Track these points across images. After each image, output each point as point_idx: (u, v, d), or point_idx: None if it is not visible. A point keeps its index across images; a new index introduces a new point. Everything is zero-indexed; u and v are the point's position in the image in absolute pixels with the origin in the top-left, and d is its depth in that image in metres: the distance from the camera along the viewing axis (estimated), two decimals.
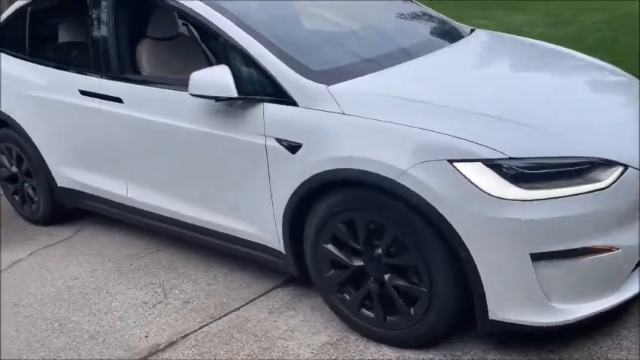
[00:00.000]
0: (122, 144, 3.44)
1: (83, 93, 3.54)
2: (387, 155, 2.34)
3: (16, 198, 4.41)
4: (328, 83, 2.63)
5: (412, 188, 2.28)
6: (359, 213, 2.50)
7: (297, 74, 2.68)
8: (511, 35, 3.77)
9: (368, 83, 2.69)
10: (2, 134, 4.25)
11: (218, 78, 2.72)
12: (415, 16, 3.58)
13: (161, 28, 3.71)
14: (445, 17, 3.72)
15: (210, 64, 3.85)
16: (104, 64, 3.45)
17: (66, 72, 3.71)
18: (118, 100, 3.34)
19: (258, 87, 2.76)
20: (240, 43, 2.81)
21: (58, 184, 4.04)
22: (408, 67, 2.88)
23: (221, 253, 3.52)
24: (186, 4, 3.03)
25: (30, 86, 3.90)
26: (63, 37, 4.04)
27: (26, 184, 4.28)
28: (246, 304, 3.18)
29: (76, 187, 3.94)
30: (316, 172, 2.55)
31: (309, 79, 2.66)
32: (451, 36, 3.42)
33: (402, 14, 3.62)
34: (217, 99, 2.77)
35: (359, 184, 2.46)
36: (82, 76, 3.58)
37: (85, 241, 4.05)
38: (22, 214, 4.44)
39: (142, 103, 3.25)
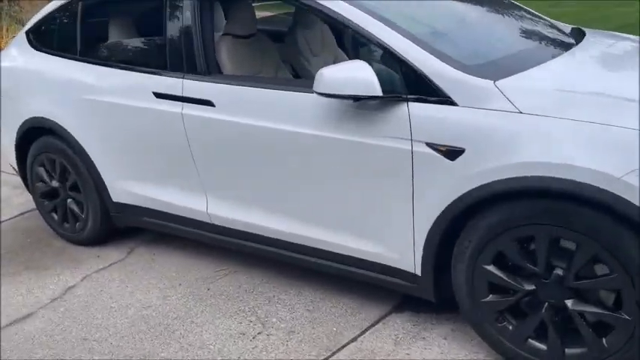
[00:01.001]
0: (209, 152, 3.03)
1: (159, 96, 3.12)
2: (593, 160, 2.01)
3: (55, 216, 3.93)
4: (494, 78, 2.30)
5: (628, 198, 1.95)
6: (541, 228, 2.16)
7: (453, 69, 2.34)
8: (616, 33, 3.52)
9: (539, 78, 2.36)
10: (44, 144, 3.77)
11: (359, 75, 2.36)
12: (521, 17, 3.28)
13: (241, 25, 3.33)
14: (547, 18, 3.45)
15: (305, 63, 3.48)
16: (187, 63, 3.03)
17: (133, 72, 3.27)
18: (208, 103, 2.93)
19: (399, 85, 2.41)
20: (379, 36, 2.46)
21: (114, 200, 3.58)
22: (566, 62, 2.57)
23: (307, 274, 3.17)
24: None
25: (85, 89, 3.44)
26: (125, 34, 3.60)
27: (69, 200, 3.80)
28: (362, 333, 2.80)
29: (138, 203, 3.49)
30: (486, 181, 2.20)
31: (469, 74, 2.33)
32: (570, 36, 3.13)
33: (508, 13, 3.32)
34: (356, 98, 2.40)
35: (543, 194, 2.12)
36: (156, 77, 3.15)
37: (144, 263, 3.60)
38: (61, 234, 3.95)
39: (242, 107, 2.84)
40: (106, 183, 3.56)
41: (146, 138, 3.26)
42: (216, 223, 3.19)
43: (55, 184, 3.84)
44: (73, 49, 3.62)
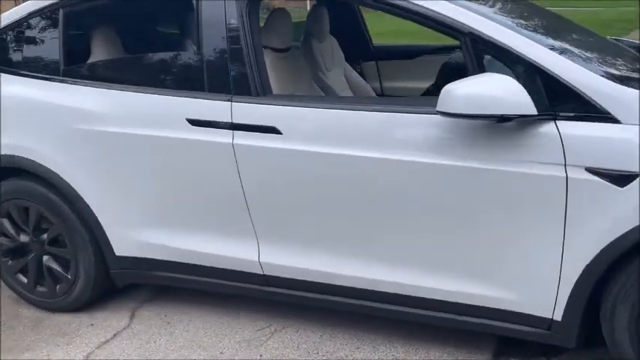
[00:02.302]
0: (268, 189, 2.48)
1: (196, 123, 2.52)
2: None
3: (23, 278, 3.11)
4: None
5: None
6: None
7: (612, 82, 2.03)
8: None
9: None
10: (12, 189, 2.97)
11: (507, 92, 1.97)
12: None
13: (281, 37, 2.83)
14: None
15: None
16: (235, 82, 2.47)
17: (152, 95, 2.63)
18: (272, 130, 2.39)
19: (544, 101, 2.05)
20: (518, 49, 2.09)
21: (117, 253, 2.87)
22: None
23: (374, 323, 2.72)
24: (428, 4, 2.24)
25: (77, 118, 2.73)
26: (132, 47, 2.93)
27: (46, 257, 3.02)
28: None
29: (152, 255, 2.83)
30: None
31: (627, 87, 2.03)
32: None
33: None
34: (501, 119, 2.01)
35: None
36: (189, 100, 2.55)
37: (158, 329, 2.92)
38: (33, 300, 3.13)
39: (320, 133, 2.34)
40: (107, 234, 2.85)
41: (173, 175, 2.63)
42: (270, 273, 2.63)
43: (24, 238, 3.04)
44: (52, 68, 2.88)
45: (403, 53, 4.00)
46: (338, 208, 2.40)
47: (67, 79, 2.83)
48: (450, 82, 2.05)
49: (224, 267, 2.71)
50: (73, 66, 2.87)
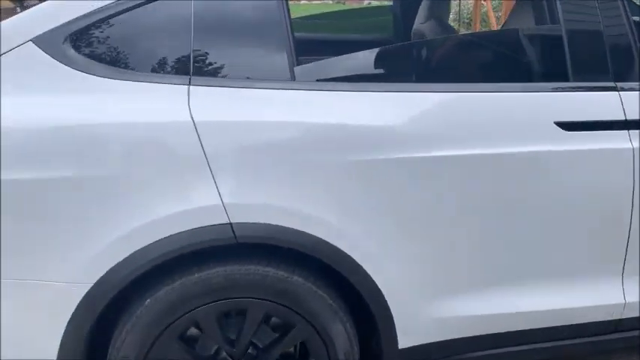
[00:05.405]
0: None
1: (572, 127, 1.77)
2: None
3: None
4: None
5: None
6: None
7: None
8: None
9: None
10: (220, 281, 1.70)
11: None
12: None
13: None
14: None
15: None
16: (617, 65, 1.81)
17: (490, 94, 1.77)
18: None
19: None
20: None
21: (400, 345, 1.87)
22: None
23: None
24: None
25: (355, 141, 1.69)
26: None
27: None
28: None
29: (466, 333, 1.92)
30: None
31: None
32: None
33: None
34: None
35: None
36: (554, 95, 1.78)
37: None
38: None
39: None
40: (394, 319, 1.83)
41: (533, 204, 1.81)
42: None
43: (226, 352, 1.78)
44: (274, 70, 1.73)
45: None
46: None
47: (309, 83, 1.74)
48: None
49: (578, 322, 1.98)
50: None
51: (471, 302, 1.91)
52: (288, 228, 1.67)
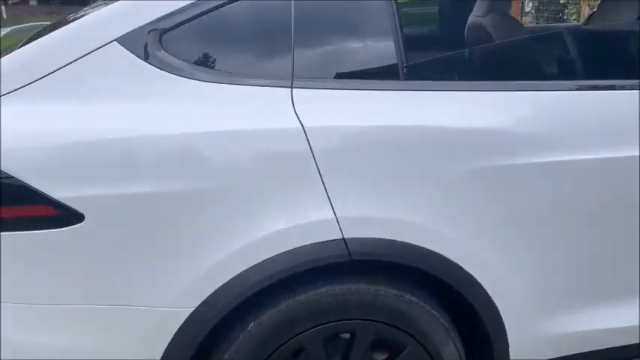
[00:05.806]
0: None
1: None
2: None
3: None
4: None
5: None
6: None
7: None
8: None
9: None
10: (331, 301, 1.55)
11: None
12: None
13: None
14: None
15: None
16: None
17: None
18: None
19: None
20: None
21: None
22: None
23: None
24: None
25: (487, 147, 1.54)
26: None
27: None
28: None
29: (571, 350, 1.79)
30: None
31: None
32: None
33: None
34: None
35: None
36: None
37: None
38: None
39: None
40: (508, 336, 1.69)
41: None
42: None
43: None
44: (383, 70, 1.58)
45: None
46: None
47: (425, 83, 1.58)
48: None
49: None
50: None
51: (584, 317, 1.77)
52: (406, 243, 1.52)
